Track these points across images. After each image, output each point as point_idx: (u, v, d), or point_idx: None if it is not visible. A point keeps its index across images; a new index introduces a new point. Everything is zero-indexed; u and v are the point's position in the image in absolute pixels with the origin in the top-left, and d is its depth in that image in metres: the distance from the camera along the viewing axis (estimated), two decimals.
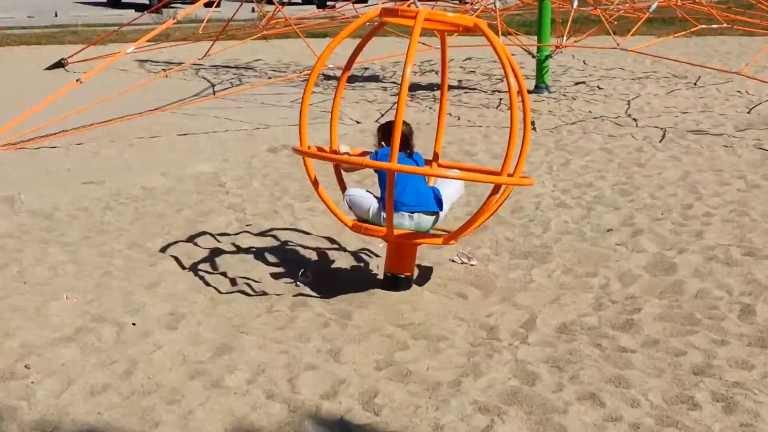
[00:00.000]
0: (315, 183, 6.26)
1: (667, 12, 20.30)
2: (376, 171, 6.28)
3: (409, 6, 15.35)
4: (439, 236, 6.10)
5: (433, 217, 6.11)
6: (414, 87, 15.68)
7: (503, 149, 10.63)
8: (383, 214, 6.03)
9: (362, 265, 6.94)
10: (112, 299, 6.05)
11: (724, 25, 15.80)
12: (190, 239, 7.36)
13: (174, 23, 13.07)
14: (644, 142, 11.18)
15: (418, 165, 6.16)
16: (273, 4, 15.23)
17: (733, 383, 4.89)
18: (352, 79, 16.55)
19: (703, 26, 15.64)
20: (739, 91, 14.79)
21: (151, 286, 6.32)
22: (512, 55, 6.19)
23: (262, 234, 7.56)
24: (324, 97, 14.31)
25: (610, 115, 13.05)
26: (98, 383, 4.88)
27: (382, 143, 6.25)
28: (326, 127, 11.95)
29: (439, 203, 6.14)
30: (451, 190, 6.28)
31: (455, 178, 6.17)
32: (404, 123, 6.18)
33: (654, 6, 14.42)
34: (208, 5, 21.93)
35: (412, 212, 6.04)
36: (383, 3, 18.86)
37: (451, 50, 18.67)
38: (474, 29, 5.98)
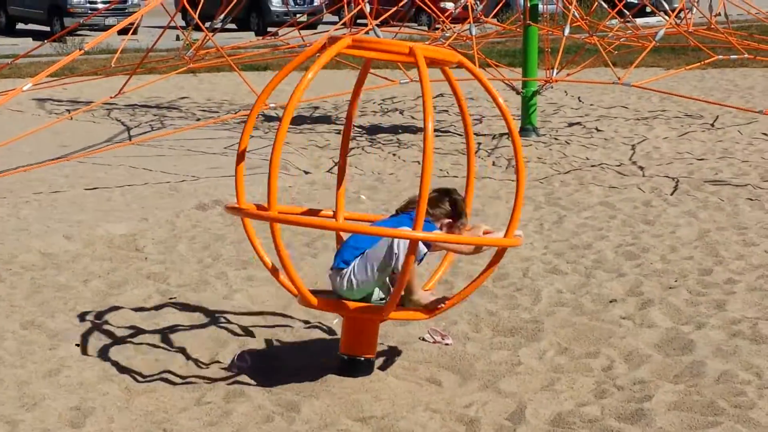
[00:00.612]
0: (257, 247, 6.23)
1: (678, 40, 20.73)
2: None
3: (365, 34, 15.54)
4: (420, 310, 6.14)
5: (338, 276, 6.17)
6: (374, 130, 15.81)
7: (483, 204, 10.78)
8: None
9: (313, 346, 6.93)
10: (3, 391, 5.98)
11: (746, 55, 16.12)
12: (100, 316, 7.31)
13: (81, 54, 13.10)
14: (653, 194, 11.32)
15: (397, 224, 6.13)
16: (202, 30, 15.33)
17: None
18: (298, 121, 16.67)
19: (721, 57, 15.94)
20: (764, 134, 15.06)
21: (52, 374, 6.25)
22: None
23: (190, 309, 7.52)
24: (264, 143, 14.34)
25: (611, 162, 13.21)
26: None
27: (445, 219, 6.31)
28: (265, 179, 12.01)
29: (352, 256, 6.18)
30: (379, 244, 6.22)
31: (435, 240, 6.15)
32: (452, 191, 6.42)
33: (661, 33, 14.69)
34: (122, 33, 22.03)
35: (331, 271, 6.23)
36: (335, 30, 19.08)
37: (418, 86, 18.90)
38: (409, 57, 5.97)
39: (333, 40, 6.08)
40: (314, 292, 6.29)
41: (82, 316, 7.29)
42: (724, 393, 5.95)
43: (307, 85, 5.74)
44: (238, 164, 6.13)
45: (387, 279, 6.13)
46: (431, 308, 6.13)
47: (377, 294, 6.20)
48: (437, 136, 15.25)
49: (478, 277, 6.31)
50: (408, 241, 5.73)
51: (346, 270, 6.13)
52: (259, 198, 10.26)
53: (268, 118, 16.68)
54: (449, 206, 6.33)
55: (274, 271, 6.29)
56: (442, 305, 6.13)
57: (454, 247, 6.28)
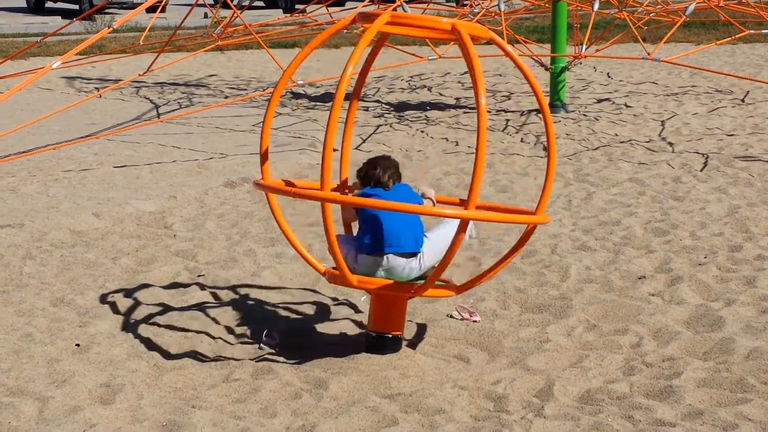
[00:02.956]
0: (282, 224, 6.27)
1: (708, 15, 20.59)
2: (359, 211, 6.31)
3: (393, 10, 15.49)
4: (447, 287, 6.14)
5: (407, 260, 6.13)
6: (402, 107, 15.78)
7: (511, 181, 10.75)
8: (358, 260, 6.18)
9: (341, 323, 6.94)
10: (34, 368, 6.02)
11: None
12: (129, 293, 7.35)
13: (109, 32, 13.11)
14: (682, 170, 11.26)
15: (405, 199, 6.16)
16: (230, 8, 15.31)
17: None
18: (326, 98, 16.66)
19: (752, 31, 15.83)
20: None
21: (82, 351, 6.29)
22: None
23: (218, 286, 7.55)
24: (292, 120, 14.40)
25: (640, 138, 13.15)
26: None
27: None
28: (296, 155, 12.01)
29: (419, 241, 6.18)
30: (447, 230, 6.28)
31: (453, 216, 6.17)
32: (384, 158, 6.30)
33: (692, 8, 14.56)
34: (150, 11, 22.08)
35: (382, 255, 6.11)
36: (362, 6, 19.03)
37: (447, 62, 18.87)
38: (452, 34, 5.97)
39: (363, 16, 6.06)
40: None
41: (111, 294, 7.33)
42: (754, 370, 5.93)
43: (356, 61, 5.70)
44: (262, 140, 6.14)
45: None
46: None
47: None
48: (465, 112, 15.22)
49: (506, 255, 6.28)
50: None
51: (412, 256, 6.15)
52: (287, 175, 10.27)
53: (296, 95, 16.67)
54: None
55: (299, 249, 6.29)
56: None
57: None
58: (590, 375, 5.95)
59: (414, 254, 6.15)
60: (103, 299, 7.22)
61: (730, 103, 15.69)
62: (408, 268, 6.14)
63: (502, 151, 12.49)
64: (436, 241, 6.20)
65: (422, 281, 6.15)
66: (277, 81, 6.78)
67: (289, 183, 6.45)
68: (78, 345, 6.34)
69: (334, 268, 6.30)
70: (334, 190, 6.57)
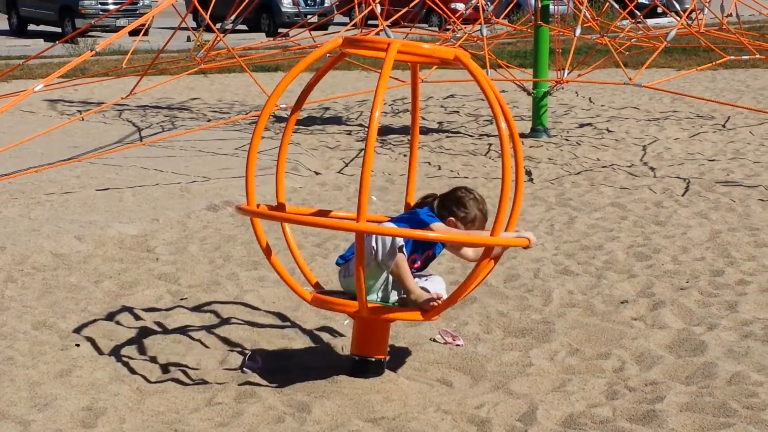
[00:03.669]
0: (267, 250, 6.25)
1: (689, 40, 20.71)
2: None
3: (376, 35, 15.55)
4: (412, 310, 6.13)
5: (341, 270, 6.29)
6: (385, 131, 15.81)
7: (494, 205, 10.74)
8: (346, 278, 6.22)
9: (323, 346, 6.93)
10: (15, 391, 5.99)
11: (757, 56, 16.09)
12: (112, 317, 7.33)
13: (92, 55, 13.14)
14: (664, 195, 11.31)
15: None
16: (213, 31, 15.35)
17: None
18: (308, 122, 16.69)
19: (732, 57, 15.91)
20: None
21: (63, 375, 6.27)
22: (501, 92, 6.30)
23: (201, 309, 7.54)
24: (275, 143, 14.35)
25: (622, 163, 13.20)
26: None
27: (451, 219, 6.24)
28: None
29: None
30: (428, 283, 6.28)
31: (433, 239, 6.17)
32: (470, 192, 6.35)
33: (672, 34, 14.70)
34: (133, 34, 22.08)
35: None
36: (345, 31, 19.10)
37: (430, 86, 18.91)
38: (454, 62, 6.10)
39: (349, 41, 6.12)
40: (326, 293, 6.33)
41: (93, 317, 7.30)
42: (736, 394, 5.94)
43: (385, 88, 5.73)
44: (249, 165, 6.15)
45: (383, 279, 6.14)
46: (425, 308, 6.06)
47: (372, 296, 6.16)
48: (448, 136, 15.26)
49: (470, 275, 6.20)
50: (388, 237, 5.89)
51: (345, 264, 6.25)
52: (269, 199, 10.27)
53: (279, 119, 16.69)
54: (452, 202, 6.28)
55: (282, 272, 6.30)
56: (436, 303, 6.06)
57: (452, 246, 6.34)
58: (573, 399, 5.96)
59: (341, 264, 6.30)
60: (85, 323, 7.19)
61: (711, 128, 15.78)
62: (340, 277, 6.31)
63: (484, 175, 12.52)
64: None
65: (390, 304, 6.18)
66: (259, 104, 6.79)
67: (273, 207, 6.45)
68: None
69: (319, 291, 6.32)
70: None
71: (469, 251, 6.35)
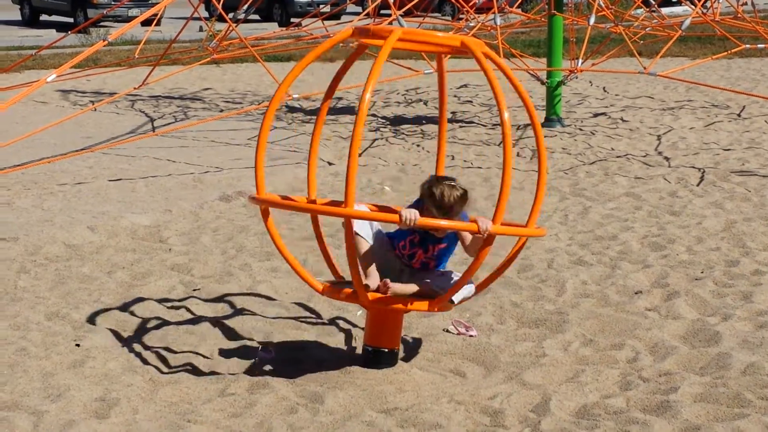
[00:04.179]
0: (276, 239, 6.26)
1: (704, 29, 20.64)
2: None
3: (389, 24, 15.53)
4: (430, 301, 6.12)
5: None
6: (399, 121, 15.80)
7: (529, 197, 10.73)
8: None
9: (336, 337, 6.94)
10: (28, 382, 6.02)
11: None
12: (125, 307, 7.34)
13: (104, 45, 13.15)
14: (679, 185, 11.28)
15: None
16: (225, 21, 15.35)
17: None
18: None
19: (748, 46, 15.85)
20: None
21: (77, 366, 6.29)
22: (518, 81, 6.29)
23: (213, 300, 7.55)
24: (287, 133, 14.40)
25: (636, 153, 13.17)
26: None
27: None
28: (291, 169, 12.01)
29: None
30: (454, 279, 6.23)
31: (441, 228, 6.12)
32: (449, 183, 6.12)
33: (687, 22, 14.62)
34: (145, 24, 22.09)
35: None
36: (358, 20, 19.09)
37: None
38: (462, 49, 6.06)
39: (359, 31, 6.12)
40: (339, 283, 6.33)
41: (106, 308, 7.32)
42: (751, 385, 5.94)
43: (378, 74, 5.71)
44: (258, 154, 6.14)
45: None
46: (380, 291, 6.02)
47: None
48: (461, 126, 15.24)
49: (498, 268, 6.28)
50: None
51: None
52: (282, 189, 10.28)
53: (291, 109, 16.70)
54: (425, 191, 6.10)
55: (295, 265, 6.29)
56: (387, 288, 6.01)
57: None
58: (587, 390, 5.96)
59: None
60: (98, 313, 7.21)
61: (726, 117, 15.73)
62: None
63: (498, 165, 12.50)
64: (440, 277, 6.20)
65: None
66: (272, 95, 6.74)
67: (285, 197, 6.45)
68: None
69: (331, 282, 6.32)
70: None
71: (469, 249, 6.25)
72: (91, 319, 7.08)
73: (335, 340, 6.89)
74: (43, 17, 39.74)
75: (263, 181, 6.17)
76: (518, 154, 13.20)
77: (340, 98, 18.28)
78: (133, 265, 8.35)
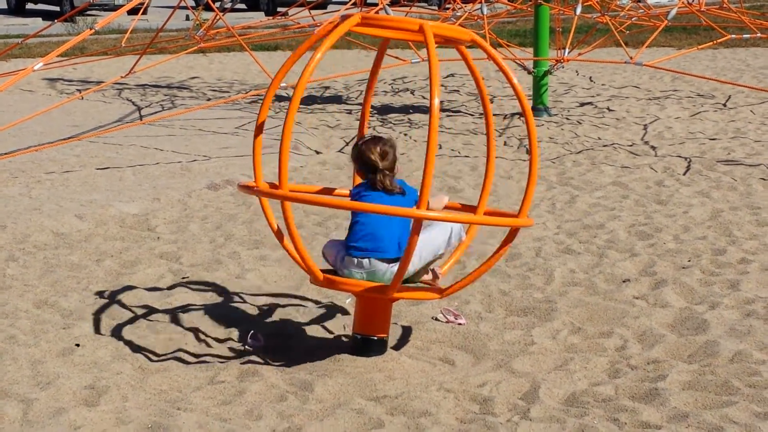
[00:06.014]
0: (291, 226, 6.09)
1: (690, 19, 20.65)
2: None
3: (377, 13, 15.49)
4: (431, 289, 6.14)
5: (389, 266, 6.11)
6: (386, 110, 15.79)
7: (495, 184, 10.75)
8: (344, 262, 6.16)
9: (326, 325, 6.93)
10: (17, 370, 5.99)
11: (758, 35, 16.03)
12: (113, 296, 7.32)
13: (91, 34, 13.09)
14: (665, 174, 11.30)
15: (406, 203, 6.10)
16: (212, 10, 15.29)
17: None
18: (308, 101, 16.66)
19: (733, 36, 15.87)
20: None
21: (66, 353, 6.27)
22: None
23: (202, 288, 7.54)
24: (275, 122, 14.35)
25: (623, 142, 13.19)
26: None
27: (361, 172, 6.24)
28: (277, 158, 12.00)
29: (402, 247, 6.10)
30: (435, 234, 6.29)
31: (442, 219, 6.16)
32: (378, 139, 6.19)
33: (673, 12, 14.65)
34: (132, 12, 22.03)
35: (364, 257, 6.09)
36: (345, 10, 19.04)
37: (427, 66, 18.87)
38: (419, 34, 5.98)
39: (345, 19, 6.06)
40: (328, 272, 6.31)
41: (95, 296, 7.30)
42: (738, 372, 5.95)
43: (315, 64, 5.73)
44: (255, 144, 6.12)
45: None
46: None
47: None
48: (448, 115, 15.23)
49: (489, 258, 6.29)
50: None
51: (393, 261, 6.09)
52: (270, 177, 10.25)
53: (279, 98, 16.66)
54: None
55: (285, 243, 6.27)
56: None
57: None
58: (575, 378, 5.96)
59: (396, 259, 6.12)
60: (87, 301, 7.19)
61: (712, 107, 15.76)
62: (389, 272, 6.10)
63: (485, 154, 12.47)
64: (420, 245, 6.13)
65: (408, 284, 6.19)
66: (259, 83, 6.70)
67: (274, 186, 6.40)
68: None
69: (327, 271, 6.29)
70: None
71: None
72: (80, 307, 7.06)
73: (324, 328, 6.88)
74: (29, 6, 39.62)
75: (287, 176, 5.95)
76: (505, 143, 13.20)
77: (327, 87, 18.26)
78: (121, 254, 8.33)
